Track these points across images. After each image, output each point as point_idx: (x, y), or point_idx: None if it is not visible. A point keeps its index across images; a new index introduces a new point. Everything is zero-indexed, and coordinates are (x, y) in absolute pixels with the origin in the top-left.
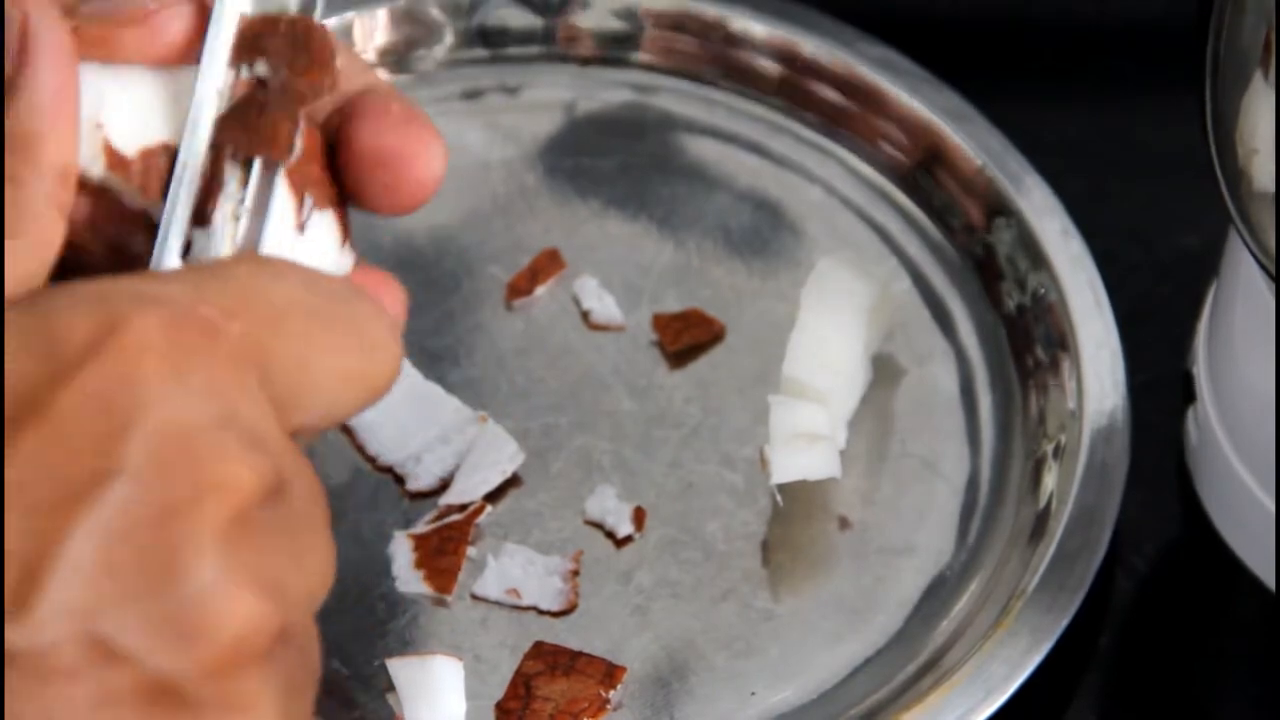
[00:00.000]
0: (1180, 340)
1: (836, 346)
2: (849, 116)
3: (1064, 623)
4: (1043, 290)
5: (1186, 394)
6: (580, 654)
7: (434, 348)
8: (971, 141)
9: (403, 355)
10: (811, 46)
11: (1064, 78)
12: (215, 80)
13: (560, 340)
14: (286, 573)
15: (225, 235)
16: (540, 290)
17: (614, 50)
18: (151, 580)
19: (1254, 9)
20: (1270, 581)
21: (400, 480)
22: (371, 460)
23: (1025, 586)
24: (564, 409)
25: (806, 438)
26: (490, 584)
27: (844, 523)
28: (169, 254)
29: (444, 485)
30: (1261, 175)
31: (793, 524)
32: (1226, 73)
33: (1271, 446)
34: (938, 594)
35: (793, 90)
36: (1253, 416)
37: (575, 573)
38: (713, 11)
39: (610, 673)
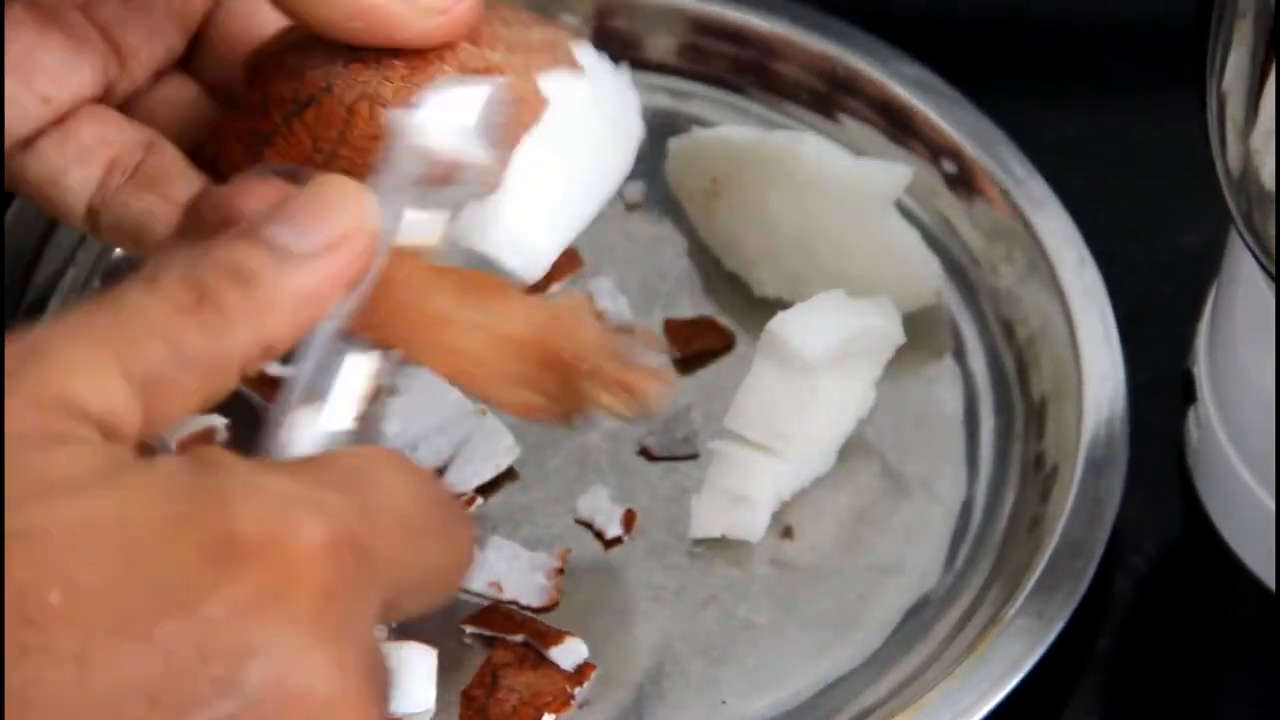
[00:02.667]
0: (1180, 340)
1: (788, 406)
2: (881, 132)
3: (1063, 622)
4: (1050, 310)
5: (1187, 394)
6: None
7: None
8: (995, 163)
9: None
10: (850, 62)
11: (1063, 77)
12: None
13: None
14: None
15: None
16: (555, 287)
17: (648, 54)
18: None
19: (1254, 9)
20: (1270, 581)
21: None
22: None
23: (1024, 585)
24: None
25: (732, 497)
26: (473, 575)
27: (834, 538)
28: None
29: (438, 475)
30: (1262, 175)
31: (781, 536)
32: (1226, 73)
33: (1272, 446)
34: (920, 615)
35: (826, 103)
36: (1254, 416)
37: (560, 570)
38: (750, 21)
39: (579, 670)
